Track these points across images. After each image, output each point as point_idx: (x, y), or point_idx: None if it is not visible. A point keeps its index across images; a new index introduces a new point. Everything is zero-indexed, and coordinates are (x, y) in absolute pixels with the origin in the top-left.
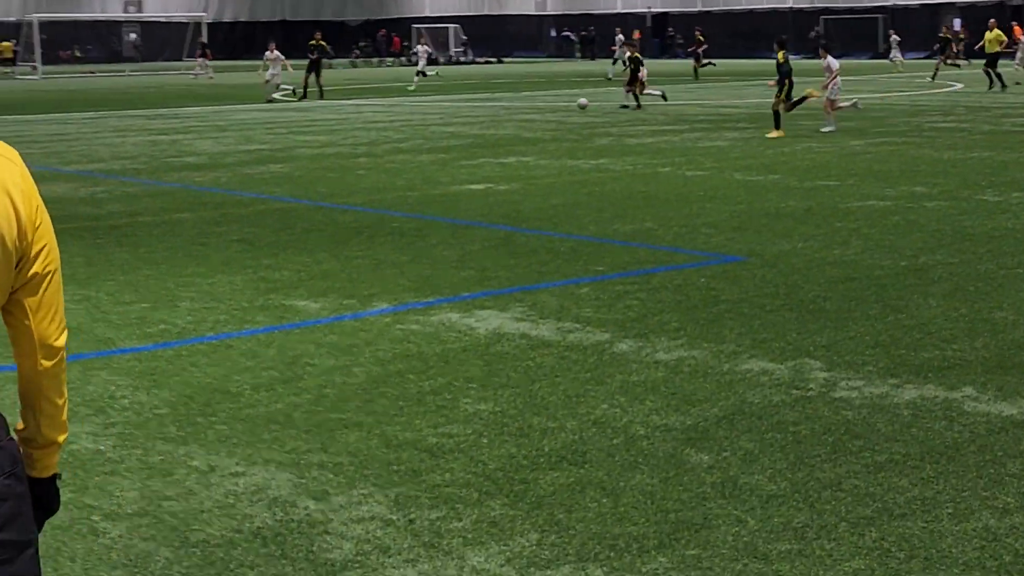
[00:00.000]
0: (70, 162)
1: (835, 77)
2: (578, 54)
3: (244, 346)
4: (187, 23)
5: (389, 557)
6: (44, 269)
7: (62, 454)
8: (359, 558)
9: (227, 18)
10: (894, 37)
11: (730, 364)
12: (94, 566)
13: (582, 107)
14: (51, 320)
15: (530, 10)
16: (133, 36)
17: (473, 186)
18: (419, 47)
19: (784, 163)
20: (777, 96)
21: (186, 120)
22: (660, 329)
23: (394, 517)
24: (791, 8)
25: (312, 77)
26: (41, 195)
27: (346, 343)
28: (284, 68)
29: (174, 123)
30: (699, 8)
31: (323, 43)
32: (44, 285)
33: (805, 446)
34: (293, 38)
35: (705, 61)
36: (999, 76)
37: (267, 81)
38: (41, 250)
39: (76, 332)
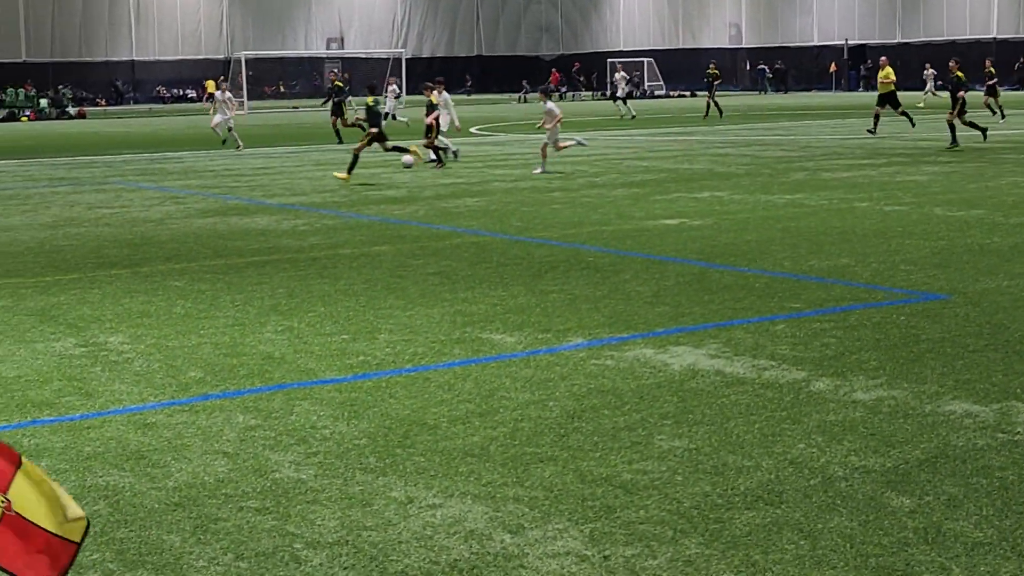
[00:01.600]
0: (274, 195)
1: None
2: (770, 87)
3: (441, 378)
4: (386, 59)
5: None
6: None
7: (265, 480)
8: None
9: (425, 54)
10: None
11: (932, 405)
12: None
13: (407, 165)
14: None
15: (724, 43)
16: (335, 72)
17: (667, 221)
18: (617, 75)
19: (988, 198)
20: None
21: (385, 154)
22: (858, 368)
23: (589, 553)
24: (995, 38)
25: (336, 120)
26: (246, 227)
27: (541, 377)
28: (227, 110)
29: (374, 157)
30: (898, 40)
31: (339, 83)
32: None
33: (1013, 492)
34: (490, 73)
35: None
36: None
37: (215, 126)
38: None
39: (279, 362)
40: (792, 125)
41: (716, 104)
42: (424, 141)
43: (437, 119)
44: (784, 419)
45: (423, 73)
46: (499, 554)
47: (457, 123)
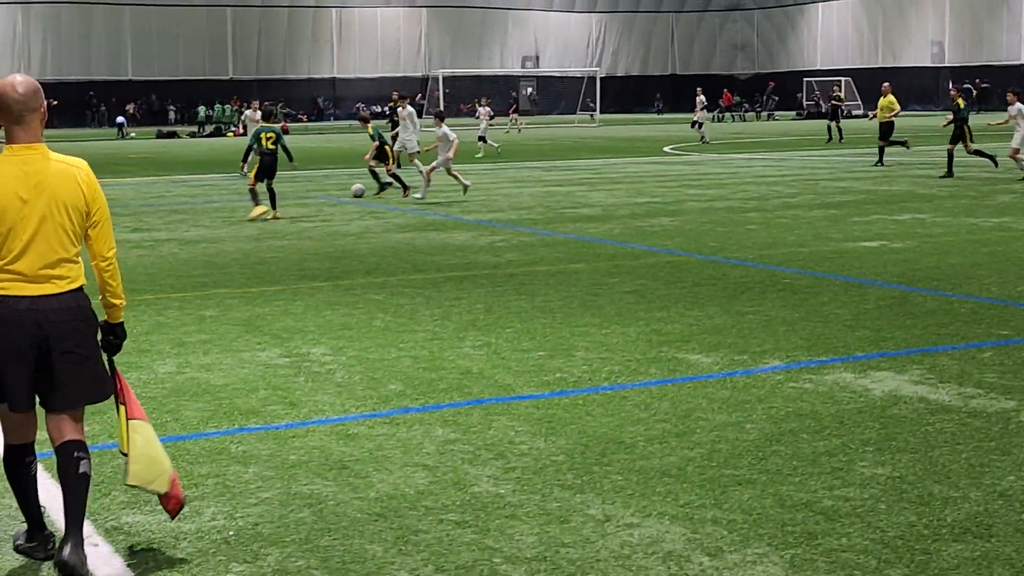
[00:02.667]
0: (471, 211)
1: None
2: (976, 107)
3: (638, 397)
4: (581, 77)
5: None
6: (99, 218)
7: (464, 494)
8: None
9: (619, 72)
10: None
11: None
12: None
13: (357, 194)
14: (104, 242)
15: (926, 62)
16: (530, 90)
17: (866, 243)
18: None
19: None
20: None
21: (580, 172)
22: None
23: None
24: None
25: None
26: (444, 242)
27: (738, 399)
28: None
29: (568, 175)
30: None
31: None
32: (99, 225)
33: None
34: (683, 92)
35: None
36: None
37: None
38: (97, 209)
39: (478, 377)
40: (998, 147)
41: (839, 129)
42: (384, 167)
43: (388, 147)
44: (992, 450)
45: (618, 92)
46: None
47: (416, 147)
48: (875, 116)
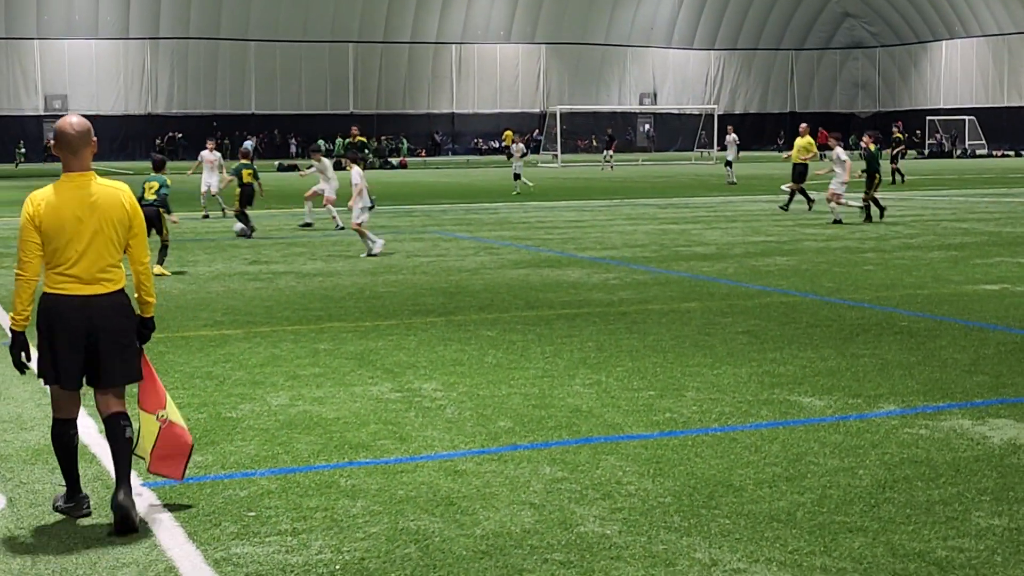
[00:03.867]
0: (585, 248)
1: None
2: None
3: (748, 439)
4: (698, 115)
5: None
6: (137, 231)
7: (570, 533)
8: None
9: (737, 110)
10: None
11: None
12: None
13: (239, 234)
14: (141, 250)
15: None
16: (647, 127)
17: (988, 286)
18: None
19: None
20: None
21: (695, 210)
22: None
23: None
24: None
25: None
26: (558, 279)
27: (851, 444)
28: (220, 172)
29: (684, 212)
30: None
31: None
32: (138, 236)
33: None
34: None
35: None
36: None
37: (203, 194)
38: (137, 223)
39: (587, 416)
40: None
41: (899, 171)
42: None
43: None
44: None
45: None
46: None
47: (331, 194)
48: (788, 157)
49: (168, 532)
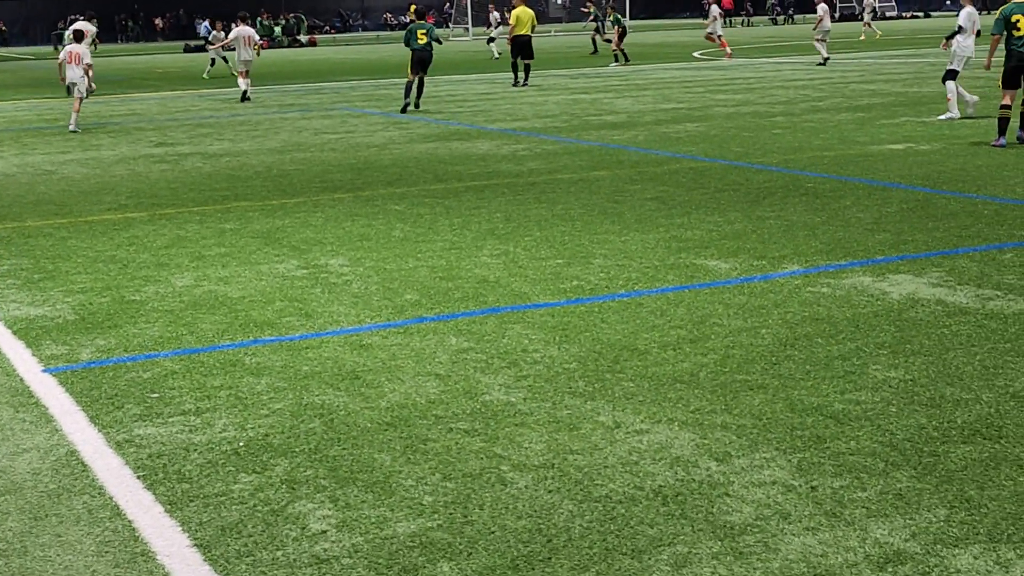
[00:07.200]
0: (495, 120)
1: None
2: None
3: (653, 304)
4: None
5: (789, 524)
6: None
7: (474, 402)
8: (759, 523)
9: None
10: None
11: None
12: (500, 515)
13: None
14: None
15: None
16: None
17: (893, 146)
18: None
19: None
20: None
21: (607, 79)
22: None
23: (796, 483)
24: None
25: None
26: (467, 152)
27: (755, 304)
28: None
29: (595, 82)
30: None
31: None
32: None
33: None
34: None
35: None
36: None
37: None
38: None
39: (494, 286)
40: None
41: (593, 42)
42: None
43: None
44: (1008, 351)
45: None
46: (704, 481)
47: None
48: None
49: (70, 416)
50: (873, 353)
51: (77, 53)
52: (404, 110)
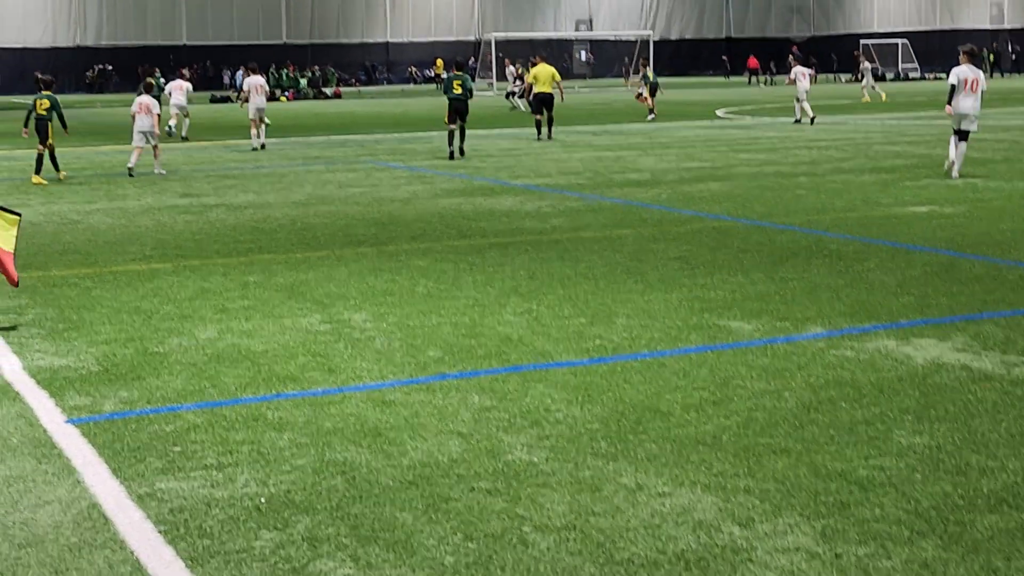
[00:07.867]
0: (519, 176)
1: None
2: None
3: (676, 365)
4: (634, 41)
5: None
6: None
7: (497, 462)
8: None
9: (673, 36)
10: None
11: None
12: None
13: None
14: None
15: (984, 24)
16: (583, 54)
17: (916, 208)
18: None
19: None
20: None
21: (631, 137)
22: None
23: (820, 550)
24: None
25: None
26: (491, 208)
27: (778, 367)
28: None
29: (619, 139)
30: None
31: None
32: None
33: None
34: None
35: None
36: None
37: (169, 130)
38: None
39: (517, 344)
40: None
41: (650, 101)
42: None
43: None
44: None
45: (672, 55)
46: (727, 546)
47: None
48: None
49: (92, 468)
50: (897, 418)
51: (146, 104)
52: (451, 157)
